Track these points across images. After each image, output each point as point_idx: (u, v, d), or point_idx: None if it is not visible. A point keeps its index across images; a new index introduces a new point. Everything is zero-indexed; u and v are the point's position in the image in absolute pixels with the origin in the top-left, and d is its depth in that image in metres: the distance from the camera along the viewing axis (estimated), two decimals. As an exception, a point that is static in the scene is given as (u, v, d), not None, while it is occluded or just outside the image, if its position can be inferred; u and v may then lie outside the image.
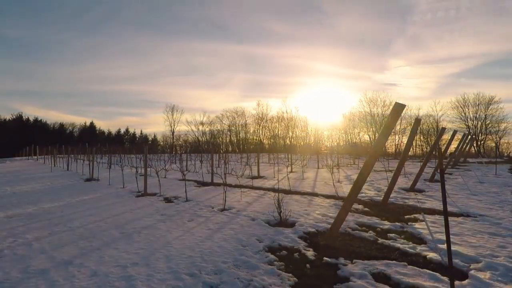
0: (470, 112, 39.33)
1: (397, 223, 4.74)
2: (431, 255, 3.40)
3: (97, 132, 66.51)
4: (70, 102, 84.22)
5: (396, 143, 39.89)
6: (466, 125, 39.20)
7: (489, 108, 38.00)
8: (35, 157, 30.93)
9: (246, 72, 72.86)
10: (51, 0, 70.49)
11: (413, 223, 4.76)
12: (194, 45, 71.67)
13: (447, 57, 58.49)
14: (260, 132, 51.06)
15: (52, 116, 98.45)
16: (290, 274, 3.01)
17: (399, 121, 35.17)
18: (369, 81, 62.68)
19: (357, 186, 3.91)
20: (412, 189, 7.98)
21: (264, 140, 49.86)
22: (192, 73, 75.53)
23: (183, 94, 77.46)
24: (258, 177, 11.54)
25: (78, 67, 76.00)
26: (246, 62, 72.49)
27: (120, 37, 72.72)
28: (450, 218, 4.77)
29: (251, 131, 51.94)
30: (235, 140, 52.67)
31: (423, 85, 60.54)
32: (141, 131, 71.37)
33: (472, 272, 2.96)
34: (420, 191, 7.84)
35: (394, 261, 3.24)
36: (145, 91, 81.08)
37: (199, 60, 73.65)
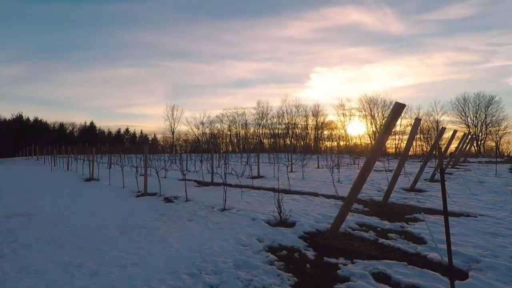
0: (470, 112, 39.37)
1: (397, 223, 4.73)
2: (431, 255, 3.40)
3: (97, 132, 66.50)
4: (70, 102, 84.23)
5: (396, 143, 39.90)
6: (466, 125, 39.22)
7: (489, 107, 38.05)
8: (35, 157, 30.92)
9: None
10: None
11: (413, 223, 4.76)
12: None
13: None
14: (260, 131, 51.05)
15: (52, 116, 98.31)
16: (290, 274, 3.01)
17: (399, 121, 35.13)
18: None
19: (357, 186, 3.91)
20: (412, 189, 7.98)
21: (264, 140, 49.85)
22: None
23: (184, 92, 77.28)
24: (258, 177, 11.54)
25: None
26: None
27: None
28: (450, 218, 4.76)
29: (251, 131, 51.93)
30: (235, 140, 52.66)
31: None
32: (141, 131, 71.38)
33: (472, 272, 2.96)
34: (420, 191, 7.83)
35: (394, 261, 3.24)
36: (146, 89, 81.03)
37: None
